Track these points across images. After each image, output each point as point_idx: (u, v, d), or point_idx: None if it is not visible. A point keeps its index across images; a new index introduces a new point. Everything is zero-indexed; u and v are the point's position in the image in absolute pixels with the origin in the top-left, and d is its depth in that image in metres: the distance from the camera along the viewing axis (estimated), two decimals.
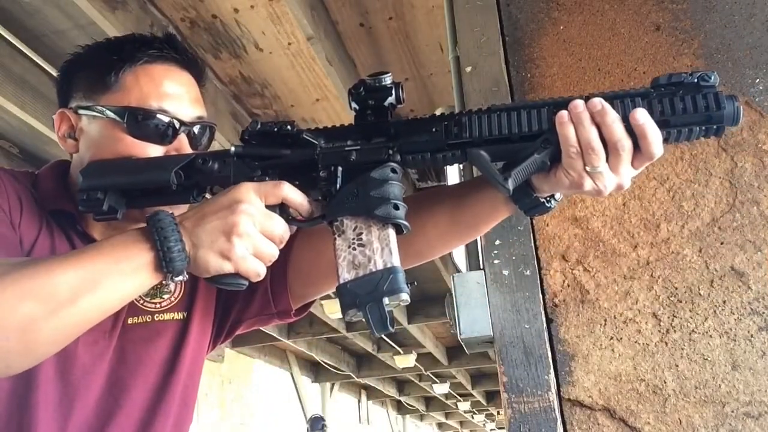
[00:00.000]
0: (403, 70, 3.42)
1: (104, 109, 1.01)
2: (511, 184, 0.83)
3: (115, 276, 0.80)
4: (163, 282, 0.84)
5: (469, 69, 1.50)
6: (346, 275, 0.83)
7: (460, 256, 1.68)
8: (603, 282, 1.34)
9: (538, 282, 1.35)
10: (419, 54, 3.31)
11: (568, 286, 1.35)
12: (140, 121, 1.00)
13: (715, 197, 1.32)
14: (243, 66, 3.32)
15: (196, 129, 1.05)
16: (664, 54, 1.42)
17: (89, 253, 0.82)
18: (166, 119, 1.01)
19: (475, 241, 1.44)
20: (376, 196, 0.84)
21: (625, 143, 0.79)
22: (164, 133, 1.01)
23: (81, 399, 0.98)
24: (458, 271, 1.67)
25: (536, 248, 1.38)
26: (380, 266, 0.81)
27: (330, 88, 3.41)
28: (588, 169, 0.81)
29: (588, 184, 0.82)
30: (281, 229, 0.86)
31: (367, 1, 2.94)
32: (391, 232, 0.84)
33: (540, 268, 1.37)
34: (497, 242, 1.37)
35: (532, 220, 1.39)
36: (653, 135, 0.78)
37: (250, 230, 0.82)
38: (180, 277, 0.83)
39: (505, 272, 1.35)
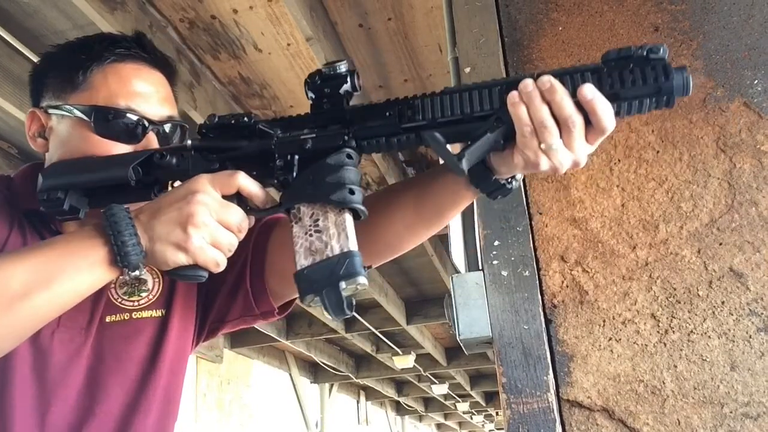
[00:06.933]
0: (402, 71, 3.42)
1: (72, 108, 1.01)
2: (465, 165, 0.81)
3: (69, 272, 0.80)
4: (120, 277, 0.83)
5: (468, 70, 1.50)
6: (303, 262, 0.82)
7: (459, 257, 1.68)
8: (602, 283, 1.34)
9: (537, 283, 1.35)
10: (418, 55, 3.31)
11: (567, 286, 1.35)
12: (109, 121, 1.00)
13: (713, 198, 1.32)
14: (242, 67, 3.32)
15: (166, 128, 1.05)
16: None
17: (43, 249, 0.82)
18: (134, 118, 1.01)
19: (474, 241, 1.44)
20: (331, 182, 0.84)
21: (576, 119, 0.79)
22: (132, 132, 1.01)
23: (58, 396, 0.98)
24: (457, 272, 1.66)
25: (535, 249, 1.38)
26: (337, 251, 0.81)
27: None
28: (543, 146, 0.81)
29: (544, 163, 0.82)
30: (238, 217, 0.86)
31: (367, 2, 2.94)
32: (348, 217, 0.83)
33: (539, 269, 1.37)
34: (496, 243, 1.37)
35: (531, 220, 1.39)
36: (603, 109, 0.78)
37: (207, 220, 0.82)
38: (137, 272, 0.82)
39: (504, 273, 1.35)
